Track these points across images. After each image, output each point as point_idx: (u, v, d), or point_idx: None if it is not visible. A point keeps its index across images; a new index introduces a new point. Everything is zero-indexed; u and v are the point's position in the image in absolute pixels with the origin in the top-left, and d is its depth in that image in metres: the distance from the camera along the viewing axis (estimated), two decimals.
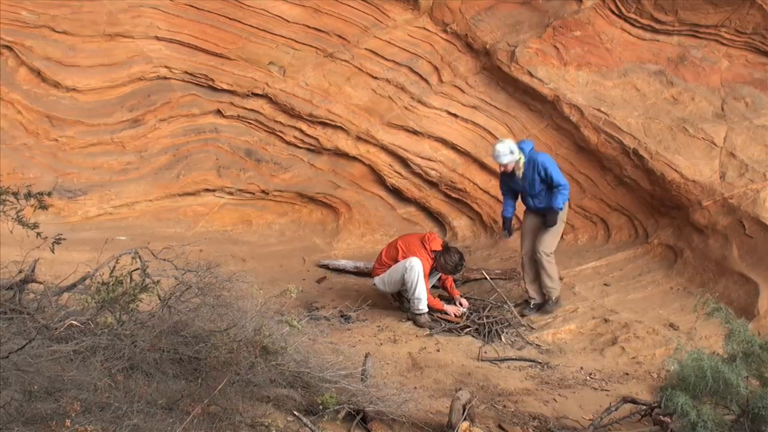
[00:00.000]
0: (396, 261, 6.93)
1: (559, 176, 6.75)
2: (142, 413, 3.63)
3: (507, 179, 7.00)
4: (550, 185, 6.78)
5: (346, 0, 9.10)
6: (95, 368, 3.75)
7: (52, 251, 4.33)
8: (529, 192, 6.91)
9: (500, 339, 6.65)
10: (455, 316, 6.91)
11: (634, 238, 8.06)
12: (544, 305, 7.00)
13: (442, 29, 9.10)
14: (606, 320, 6.84)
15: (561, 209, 6.78)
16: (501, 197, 7.32)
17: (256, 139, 9.13)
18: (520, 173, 6.83)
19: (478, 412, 4.94)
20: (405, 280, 6.83)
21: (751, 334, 4.34)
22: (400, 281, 6.91)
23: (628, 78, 8.30)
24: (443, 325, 6.84)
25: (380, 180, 8.99)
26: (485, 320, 6.82)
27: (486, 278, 7.46)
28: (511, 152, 6.75)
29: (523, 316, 6.93)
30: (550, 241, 6.89)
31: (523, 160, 6.80)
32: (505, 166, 6.81)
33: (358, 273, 7.99)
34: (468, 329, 6.77)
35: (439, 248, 6.95)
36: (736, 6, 8.01)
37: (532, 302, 7.03)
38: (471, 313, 6.96)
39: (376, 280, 7.11)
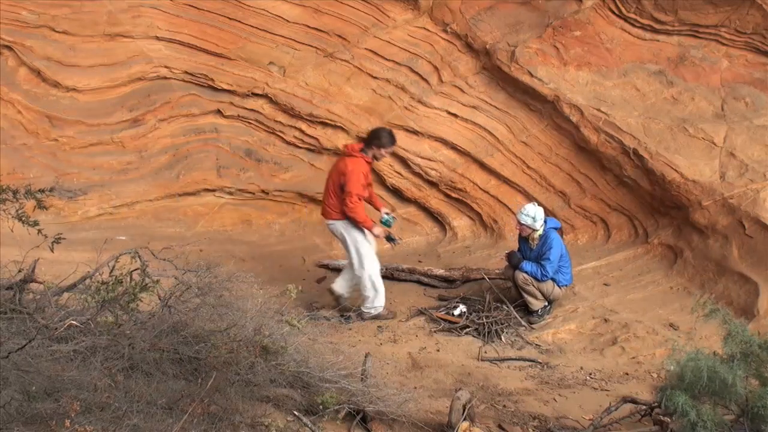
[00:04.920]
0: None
1: (551, 267, 6.83)
2: (142, 413, 3.63)
3: (522, 244, 7.11)
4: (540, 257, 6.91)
5: (346, 0, 9.10)
6: (95, 368, 3.75)
7: (52, 251, 4.32)
8: (527, 257, 7.03)
9: (500, 339, 6.65)
10: (451, 318, 6.93)
11: (634, 238, 8.06)
12: (537, 312, 6.99)
13: (442, 29, 9.09)
14: (606, 320, 6.84)
15: (526, 271, 6.87)
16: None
17: (256, 139, 9.13)
18: (533, 244, 6.97)
19: (478, 412, 4.94)
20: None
21: (751, 334, 4.34)
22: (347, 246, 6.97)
23: (628, 78, 8.30)
24: (443, 324, 6.86)
25: (380, 180, 8.97)
26: (485, 320, 6.83)
27: (485, 278, 7.47)
28: (534, 219, 6.86)
29: (531, 323, 6.91)
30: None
31: (539, 233, 6.92)
32: (521, 226, 6.94)
33: None
34: (468, 329, 6.78)
35: (362, 143, 6.91)
36: (736, 6, 8.01)
37: (539, 310, 7.01)
38: (471, 313, 6.96)
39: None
